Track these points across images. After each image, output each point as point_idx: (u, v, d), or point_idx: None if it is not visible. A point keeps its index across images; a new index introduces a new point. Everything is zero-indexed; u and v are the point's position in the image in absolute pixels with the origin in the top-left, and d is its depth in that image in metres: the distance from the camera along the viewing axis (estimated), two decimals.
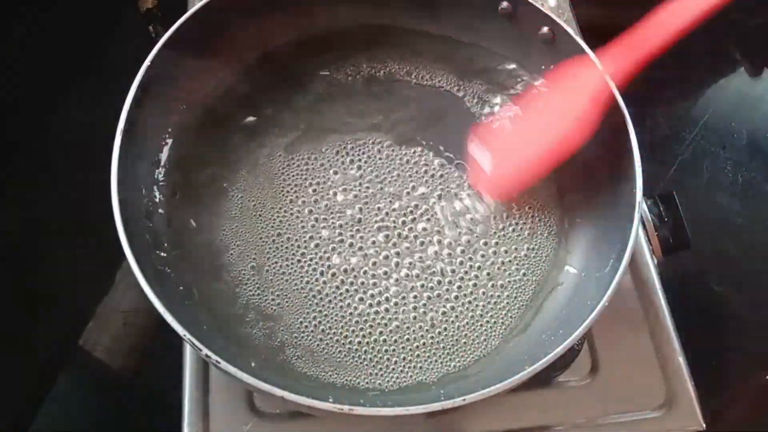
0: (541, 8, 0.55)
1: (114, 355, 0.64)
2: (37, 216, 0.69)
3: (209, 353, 0.41)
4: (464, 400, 0.41)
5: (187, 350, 0.55)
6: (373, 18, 0.62)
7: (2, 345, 0.64)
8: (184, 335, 0.41)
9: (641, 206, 0.48)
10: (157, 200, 0.53)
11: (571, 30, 0.54)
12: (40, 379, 0.63)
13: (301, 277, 0.54)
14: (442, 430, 0.52)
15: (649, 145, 0.79)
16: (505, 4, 0.57)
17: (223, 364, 0.40)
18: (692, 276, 0.73)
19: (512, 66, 0.61)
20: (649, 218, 0.59)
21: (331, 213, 0.57)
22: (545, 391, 0.55)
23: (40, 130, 0.74)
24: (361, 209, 0.57)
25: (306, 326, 0.52)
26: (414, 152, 0.60)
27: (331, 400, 0.41)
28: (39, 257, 0.67)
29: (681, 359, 0.57)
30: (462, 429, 0.53)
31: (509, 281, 0.55)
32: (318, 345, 0.52)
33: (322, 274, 0.54)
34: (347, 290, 0.54)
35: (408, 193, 0.58)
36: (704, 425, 0.54)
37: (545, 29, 0.56)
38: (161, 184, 0.54)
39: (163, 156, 0.55)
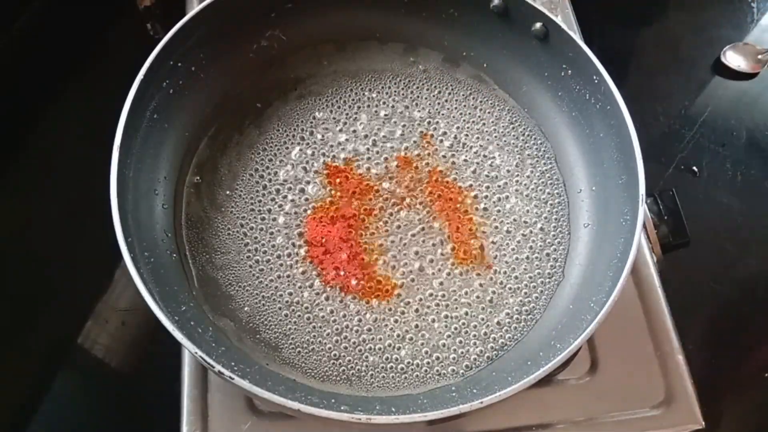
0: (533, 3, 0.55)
1: (112, 354, 0.63)
2: (37, 215, 0.69)
3: (222, 369, 0.41)
4: (482, 402, 0.41)
5: (186, 350, 0.54)
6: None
7: (1, 343, 0.64)
8: (195, 352, 0.41)
9: (644, 204, 0.49)
10: (157, 201, 0.53)
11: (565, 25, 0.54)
12: (39, 377, 0.63)
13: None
14: (441, 430, 0.52)
15: (649, 144, 0.79)
16: (497, 1, 0.57)
17: (237, 380, 0.41)
18: (691, 274, 0.72)
19: None
20: (649, 216, 0.59)
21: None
22: (545, 389, 0.55)
23: (39, 129, 0.73)
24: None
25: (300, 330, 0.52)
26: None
27: (344, 408, 0.41)
28: (38, 256, 0.67)
29: (680, 357, 0.57)
30: (462, 428, 0.53)
31: (515, 282, 0.55)
32: (318, 356, 0.52)
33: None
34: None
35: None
36: (703, 423, 0.54)
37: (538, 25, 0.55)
38: (161, 183, 0.54)
39: (163, 156, 0.55)
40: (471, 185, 0.59)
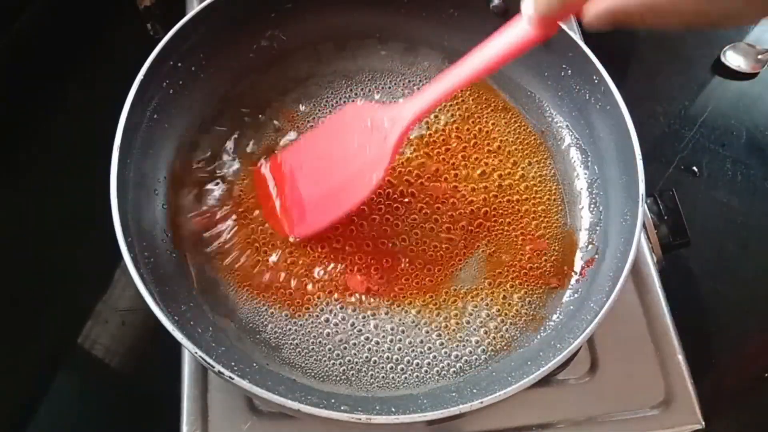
0: None
1: (113, 354, 0.63)
2: (37, 215, 0.69)
3: (222, 369, 0.41)
4: (482, 402, 0.41)
5: (186, 350, 0.54)
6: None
7: (1, 343, 0.64)
8: (195, 352, 0.41)
9: (644, 204, 0.49)
10: (157, 201, 0.53)
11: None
12: (39, 377, 0.63)
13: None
14: (441, 430, 0.52)
15: (649, 144, 0.79)
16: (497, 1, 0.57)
17: (237, 380, 0.41)
18: (691, 274, 0.72)
19: None
20: (649, 216, 0.59)
21: None
22: (545, 389, 0.55)
23: (39, 129, 0.73)
24: None
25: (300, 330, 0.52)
26: None
27: (344, 408, 0.41)
28: (38, 256, 0.67)
29: (680, 357, 0.57)
30: (462, 428, 0.53)
31: (515, 284, 0.55)
32: (316, 357, 0.52)
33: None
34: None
35: None
36: (703, 423, 0.54)
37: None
38: (161, 183, 0.54)
39: (163, 156, 0.55)
40: (471, 185, 0.59)
